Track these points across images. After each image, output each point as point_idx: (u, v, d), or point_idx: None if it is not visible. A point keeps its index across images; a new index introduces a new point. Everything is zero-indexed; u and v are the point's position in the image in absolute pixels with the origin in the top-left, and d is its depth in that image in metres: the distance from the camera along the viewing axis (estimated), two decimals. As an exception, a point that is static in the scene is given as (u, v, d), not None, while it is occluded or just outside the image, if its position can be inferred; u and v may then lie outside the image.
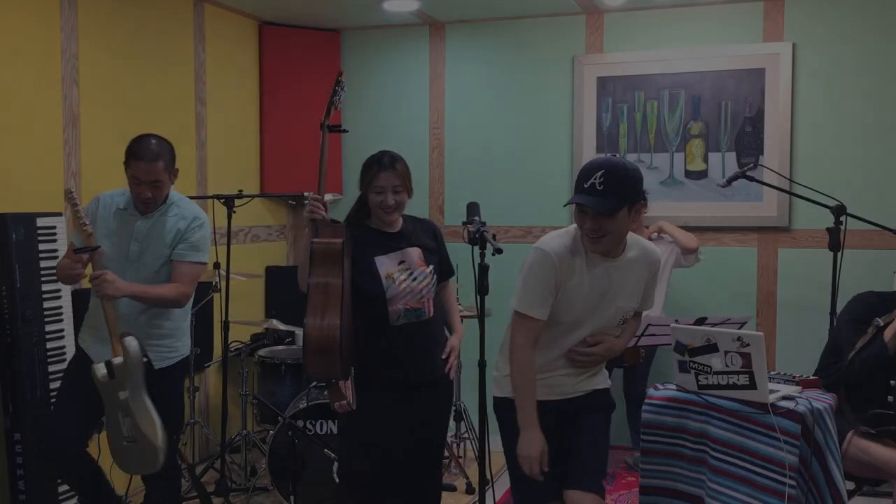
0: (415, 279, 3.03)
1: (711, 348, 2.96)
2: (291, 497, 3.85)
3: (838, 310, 3.98)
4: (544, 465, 2.59)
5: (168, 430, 3.11)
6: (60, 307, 3.71)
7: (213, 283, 4.30)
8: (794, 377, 3.17)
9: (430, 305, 3.06)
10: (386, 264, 3.02)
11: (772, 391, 2.92)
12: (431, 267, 3.09)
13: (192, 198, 4.67)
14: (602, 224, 2.54)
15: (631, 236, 2.73)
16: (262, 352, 4.71)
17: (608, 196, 2.50)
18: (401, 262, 3.04)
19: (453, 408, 4.65)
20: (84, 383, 3.11)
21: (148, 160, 3.11)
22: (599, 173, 2.52)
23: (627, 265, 2.71)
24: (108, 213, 3.23)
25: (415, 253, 3.08)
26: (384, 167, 2.97)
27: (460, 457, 4.75)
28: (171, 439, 3.16)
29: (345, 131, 3.26)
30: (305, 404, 4.04)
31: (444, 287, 3.28)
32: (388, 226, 3.08)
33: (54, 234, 3.66)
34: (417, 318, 3.03)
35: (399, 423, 3.03)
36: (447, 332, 3.25)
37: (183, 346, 3.38)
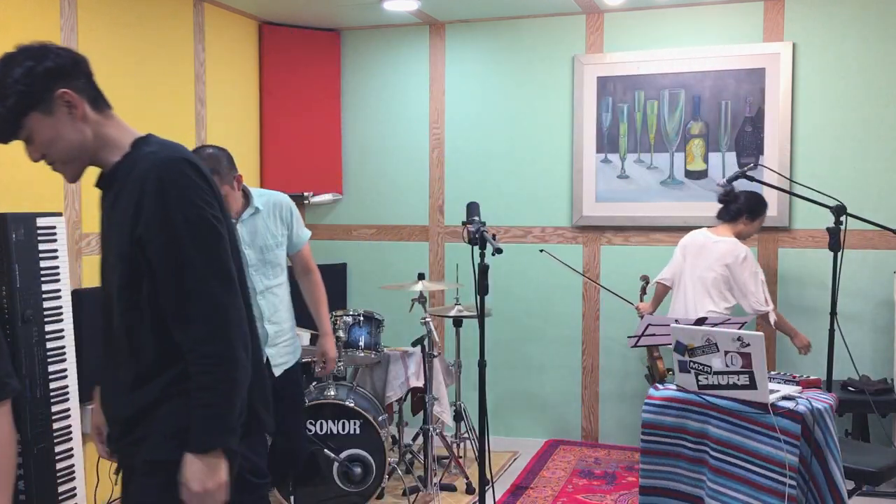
0: None
1: (711, 348, 2.96)
2: (291, 497, 3.85)
3: (838, 310, 3.98)
4: None
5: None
6: (60, 307, 3.70)
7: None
8: (794, 377, 3.18)
9: None
10: None
11: (772, 391, 2.93)
12: None
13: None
14: None
15: None
16: (262, 352, 4.72)
17: None
18: None
19: (452, 408, 4.66)
20: None
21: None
22: None
23: None
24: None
25: None
26: None
27: (460, 457, 4.74)
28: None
29: None
30: (306, 404, 4.04)
31: None
32: None
33: (54, 234, 3.65)
34: None
35: None
36: None
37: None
